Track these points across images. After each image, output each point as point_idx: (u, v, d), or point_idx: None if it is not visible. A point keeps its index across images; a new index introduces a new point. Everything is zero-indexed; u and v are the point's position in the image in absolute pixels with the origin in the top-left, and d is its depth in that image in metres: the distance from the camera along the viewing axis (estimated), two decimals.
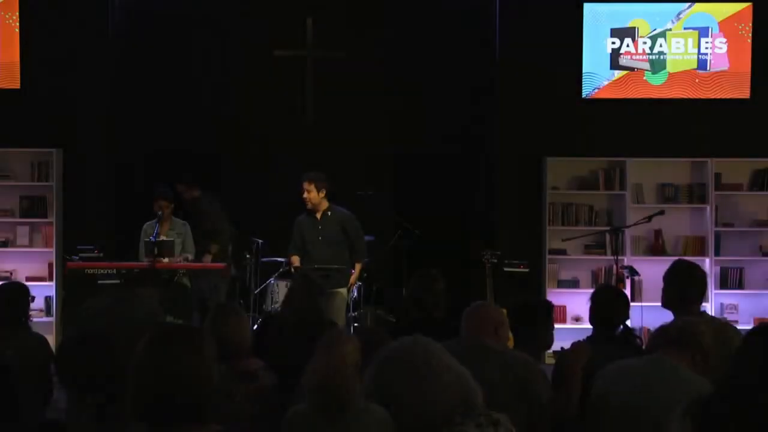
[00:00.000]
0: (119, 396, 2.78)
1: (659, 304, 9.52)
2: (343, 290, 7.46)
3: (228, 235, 8.34)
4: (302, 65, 9.85)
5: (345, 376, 3.21)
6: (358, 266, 7.69)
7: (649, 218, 8.51)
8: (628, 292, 8.73)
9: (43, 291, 8.86)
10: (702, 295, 4.38)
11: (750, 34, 8.86)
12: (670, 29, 8.91)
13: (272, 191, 9.35)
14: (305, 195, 7.36)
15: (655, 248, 8.91)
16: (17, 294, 4.88)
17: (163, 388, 2.34)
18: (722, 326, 4.12)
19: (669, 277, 4.34)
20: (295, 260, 7.56)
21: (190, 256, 7.69)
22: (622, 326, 4.51)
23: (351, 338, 3.44)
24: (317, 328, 4.23)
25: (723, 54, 8.89)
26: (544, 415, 3.45)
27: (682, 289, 4.29)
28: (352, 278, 7.69)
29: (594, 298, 4.47)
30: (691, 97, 8.94)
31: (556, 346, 9.67)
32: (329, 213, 7.46)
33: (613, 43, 8.91)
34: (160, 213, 7.65)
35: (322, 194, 7.38)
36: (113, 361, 2.95)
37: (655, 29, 8.92)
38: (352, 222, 7.58)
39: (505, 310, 4.08)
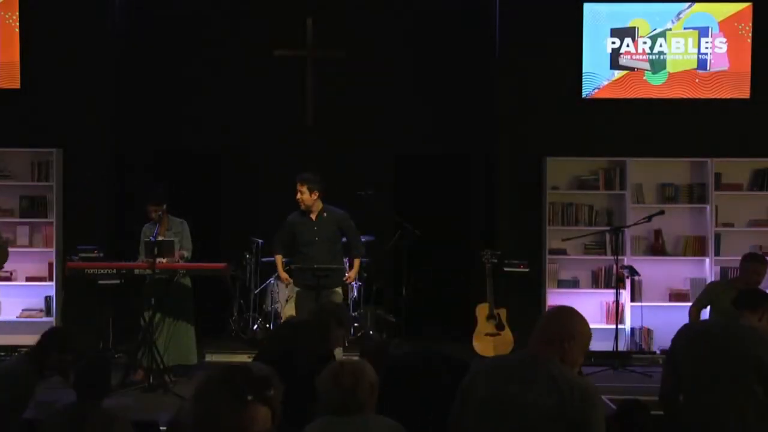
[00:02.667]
0: None
1: (659, 304, 9.54)
2: (340, 289, 7.49)
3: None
4: (302, 65, 9.86)
5: (356, 377, 3.36)
6: (357, 263, 7.69)
7: (649, 218, 8.51)
8: (628, 292, 8.75)
9: (43, 291, 8.86)
10: None
11: (750, 34, 8.86)
12: (670, 29, 8.91)
13: (272, 191, 9.35)
14: (298, 197, 7.37)
15: (655, 248, 8.91)
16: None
17: None
18: None
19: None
20: (278, 260, 7.61)
21: (186, 253, 7.66)
22: None
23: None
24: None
25: (723, 54, 8.89)
26: None
27: None
28: (352, 274, 7.70)
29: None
30: (691, 97, 8.93)
31: None
32: (325, 214, 7.44)
33: (613, 43, 8.90)
34: (159, 214, 7.63)
35: (315, 196, 7.35)
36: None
37: (655, 29, 8.91)
38: (348, 221, 7.57)
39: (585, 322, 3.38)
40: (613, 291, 8.57)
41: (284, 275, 7.65)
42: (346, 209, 7.71)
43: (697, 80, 8.92)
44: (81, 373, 4.04)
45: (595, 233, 8.86)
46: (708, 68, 8.91)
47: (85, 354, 4.48)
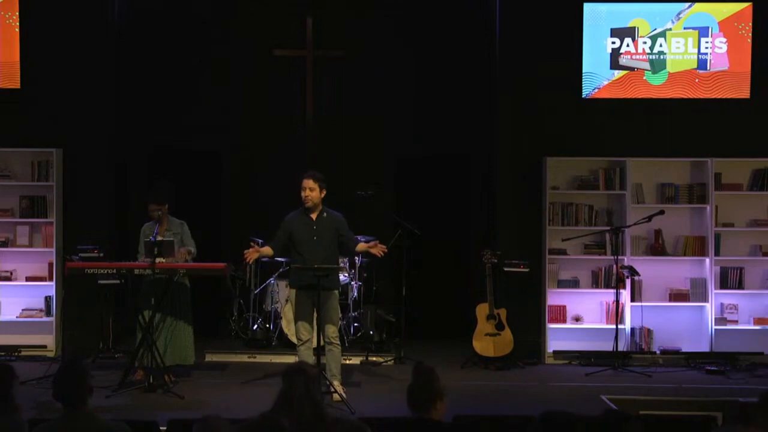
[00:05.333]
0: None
1: (659, 304, 9.53)
2: (337, 292, 7.43)
3: None
4: (302, 65, 9.86)
5: None
6: (362, 244, 7.47)
7: (649, 218, 8.52)
8: (628, 292, 8.74)
9: (43, 291, 8.86)
10: None
11: (750, 34, 8.86)
12: (670, 29, 8.91)
13: (272, 191, 9.35)
14: (306, 193, 7.24)
15: (655, 248, 8.91)
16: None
17: None
18: None
19: None
20: (265, 248, 7.32)
21: (193, 249, 7.64)
22: None
23: None
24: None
25: (723, 54, 8.89)
26: None
27: None
28: (377, 248, 7.30)
29: None
30: (691, 97, 8.93)
31: (556, 346, 9.71)
32: (325, 215, 7.38)
33: (613, 42, 8.90)
34: (159, 214, 7.62)
35: (323, 194, 7.33)
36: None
37: (655, 29, 8.91)
38: (345, 224, 7.49)
39: None
40: (613, 291, 8.58)
41: (256, 248, 7.24)
42: (346, 209, 7.69)
43: (697, 80, 8.92)
44: (57, 382, 3.99)
45: (595, 233, 8.86)
46: (708, 68, 8.91)
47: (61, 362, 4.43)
